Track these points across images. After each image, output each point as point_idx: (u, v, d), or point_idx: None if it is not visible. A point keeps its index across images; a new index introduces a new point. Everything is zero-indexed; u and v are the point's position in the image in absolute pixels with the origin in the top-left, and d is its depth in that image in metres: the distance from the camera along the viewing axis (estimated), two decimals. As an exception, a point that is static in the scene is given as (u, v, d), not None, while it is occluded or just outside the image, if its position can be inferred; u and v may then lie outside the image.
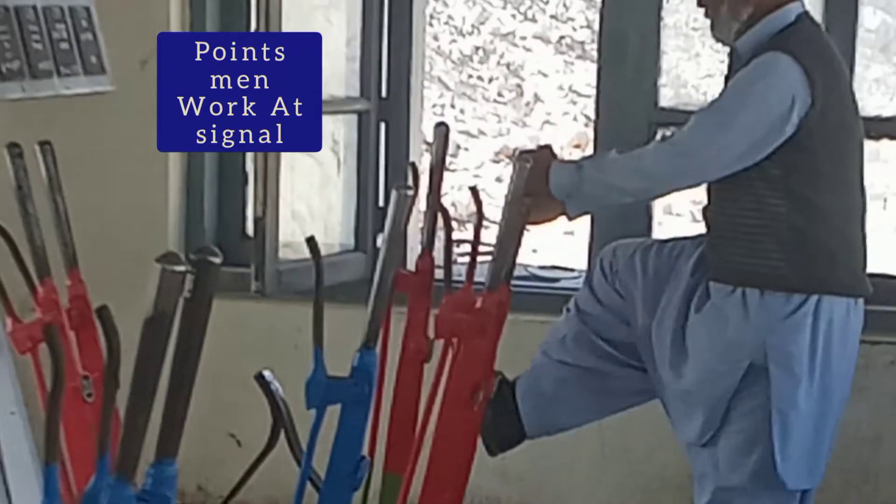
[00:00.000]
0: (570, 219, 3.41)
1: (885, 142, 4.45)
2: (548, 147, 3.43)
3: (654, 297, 3.43)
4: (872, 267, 3.47)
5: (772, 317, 3.23)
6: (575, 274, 5.11)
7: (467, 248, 3.26)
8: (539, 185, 3.30)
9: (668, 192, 3.40)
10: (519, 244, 3.29)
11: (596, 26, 4.50)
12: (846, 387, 3.35)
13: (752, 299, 3.24)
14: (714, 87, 5.33)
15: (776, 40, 3.23)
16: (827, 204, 3.25)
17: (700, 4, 3.36)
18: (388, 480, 3.39)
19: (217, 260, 1.73)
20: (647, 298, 3.45)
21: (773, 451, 3.23)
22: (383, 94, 4.59)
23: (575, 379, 3.54)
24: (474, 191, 3.45)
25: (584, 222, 4.46)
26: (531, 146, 3.93)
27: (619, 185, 3.30)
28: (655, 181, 3.29)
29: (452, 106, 12.56)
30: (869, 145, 3.45)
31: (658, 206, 4.72)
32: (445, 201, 3.45)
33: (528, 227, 3.31)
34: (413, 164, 3.58)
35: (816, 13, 4.21)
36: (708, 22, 3.38)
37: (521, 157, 3.28)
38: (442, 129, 3.46)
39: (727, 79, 3.39)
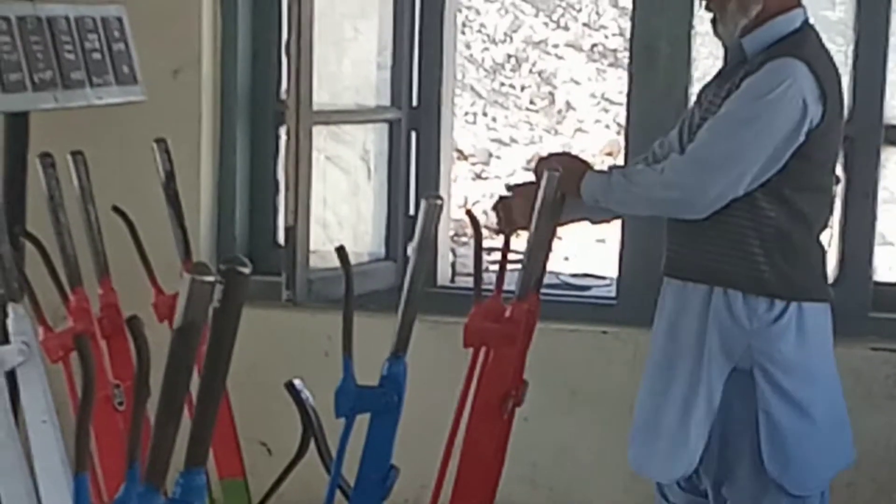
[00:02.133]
0: (595, 223, 3.43)
1: (914, 147, 4.42)
2: (567, 154, 3.44)
3: None
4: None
5: (758, 321, 3.20)
6: (606, 282, 5.09)
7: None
8: (569, 188, 3.27)
9: (691, 206, 3.20)
10: (549, 252, 3.29)
11: (628, 34, 4.49)
12: (836, 388, 3.31)
13: (735, 302, 3.21)
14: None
15: (786, 45, 3.20)
16: (812, 213, 3.24)
17: None
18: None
19: (246, 270, 1.73)
20: None
21: (762, 455, 3.19)
22: (414, 102, 4.60)
23: None
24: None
25: (615, 230, 4.47)
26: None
27: (644, 195, 3.26)
28: (677, 191, 3.18)
29: (485, 114, 12.58)
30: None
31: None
32: (477, 210, 3.45)
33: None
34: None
35: (849, 19, 4.21)
36: (710, 22, 3.34)
37: (550, 167, 3.26)
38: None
39: (720, 74, 3.35)
